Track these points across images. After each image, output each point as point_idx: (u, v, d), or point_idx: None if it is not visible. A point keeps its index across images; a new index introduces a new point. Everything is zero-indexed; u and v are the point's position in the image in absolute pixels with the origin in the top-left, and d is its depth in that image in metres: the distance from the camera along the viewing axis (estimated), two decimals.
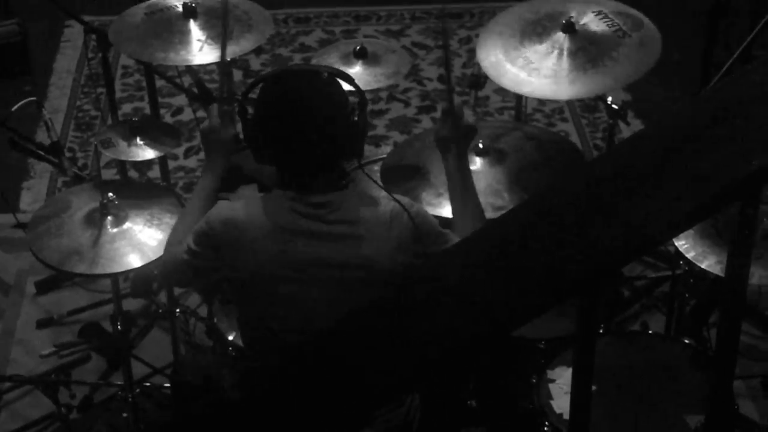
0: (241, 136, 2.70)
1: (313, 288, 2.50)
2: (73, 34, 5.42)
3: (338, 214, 2.51)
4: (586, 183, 1.82)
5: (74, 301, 3.92)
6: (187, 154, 4.63)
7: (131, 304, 3.79)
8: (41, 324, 3.86)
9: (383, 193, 2.58)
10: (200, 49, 3.18)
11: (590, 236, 1.72)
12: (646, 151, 1.79)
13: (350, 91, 2.59)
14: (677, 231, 2.13)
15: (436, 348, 1.75)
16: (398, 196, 2.55)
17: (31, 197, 4.46)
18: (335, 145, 2.51)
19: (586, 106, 4.90)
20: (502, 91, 4.88)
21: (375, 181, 2.67)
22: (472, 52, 5.19)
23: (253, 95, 2.59)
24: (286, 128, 2.49)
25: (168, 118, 4.82)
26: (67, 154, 4.58)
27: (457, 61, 5.24)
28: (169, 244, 2.67)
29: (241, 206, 2.55)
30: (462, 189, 2.72)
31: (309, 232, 2.49)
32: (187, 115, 4.80)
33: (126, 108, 4.94)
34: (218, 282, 2.71)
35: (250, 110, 2.58)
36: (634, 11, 3.17)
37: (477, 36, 5.28)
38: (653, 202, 1.70)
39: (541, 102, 4.90)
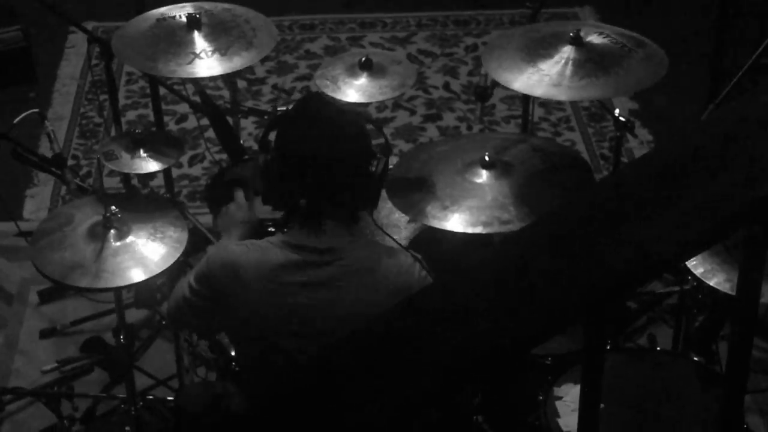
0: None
1: (313, 342, 2.42)
2: (78, 40, 5.40)
3: (343, 264, 2.43)
4: (594, 204, 1.79)
5: (77, 311, 3.90)
6: (192, 162, 4.61)
7: (135, 315, 3.77)
8: (44, 334, 3.84)
9: (389, 241, 2.52)
10: (189, 62, 3.14)
11: (598, 259, 1.69)
12: (655, 172, 1.77)
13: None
14: (687, 255, 2.10)
15: (439, 373, 1.73)
16: (410, 252, 2.48)
17: (35, 205, 4.44)
18: (351, 192, 2.45)
19: (593, 115, 4.87)
20: (508, 99, 4.87)
21: (387, 234, 2.60)
22: (477, 60, 5.18)
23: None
24: (301, 166, 2.41)
25: (172, 126, 4.80)
26: (71, 162, 4.58)
27: (463, 69, 5.22)
28: (175, 290, 2.64)
29: (242, 251, 2.47)
30: None
31: (311, 283, 2.42)
32: (191, 122, 4.77)
33: (130, 115, 4.92)
34: (216, 325, 2.67)
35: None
36: (635, 34, 3.17)
37: (483, 44, 5.31)
38: (663, 225, 1.68)
39: (548, 111, 4.88)
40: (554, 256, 1.72)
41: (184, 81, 3.79)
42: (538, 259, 1.74)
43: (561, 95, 3.04)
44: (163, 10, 3.37)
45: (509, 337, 1.70)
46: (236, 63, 3.18)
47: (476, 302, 1.76)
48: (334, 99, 3.19)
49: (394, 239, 2.56)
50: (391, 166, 3.21)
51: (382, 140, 2.87)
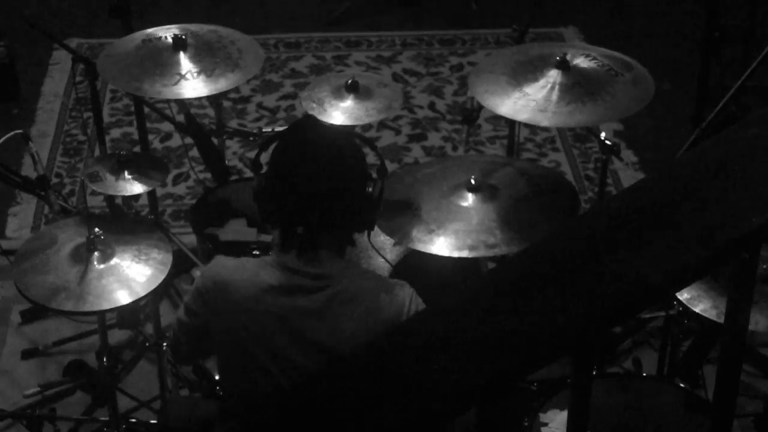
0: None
1: (298, 367, 2.39)
2: (62, 56, 5.37)
3: (337, 290, 2.39)
4: (584, 234, 1.79)
5: (60, 331, 3.87)
6: (176, 181, 4.59)
7: (118, 335, 3.75)
8: (26, 354, 3.81)
9: (382, 262, 2.49)
10: (175, 83, 3.13)
11: (589, 289, 1.69)
12: (644, 204, 1.77)
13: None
14: (678, 286, 2.09)
15: (424, 405, 1.72)
16: (404, 283, 2.46)
17: (17, 223, 4.41)
18: (348, 215, 2.42)
19: (578, 136, 4.88)
20: (493, 120, 4.87)
21: (385, 258, 2.59)
22: (463, 80, 5.18)
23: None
24: (297, 191, 2.38)
25: (156, 144, 4.78)
26: (54, 180, 4.56)
27: (449, 89, 5.21)
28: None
29: (236, 268, 2.44)
30: None
31: (301, 307, 2.39)
32: (176, 141, 4.76)
33: (114, 133, 4.90)
34: (208, 347, 2.64)
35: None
36: (622, 55, 3.17)
37: (469, 63, 5.31)
38: (654, 256, 1.68)
39: (533, 132, 4.88)
40: (545, 286, 1.72)
41: (169, 101, 3.78)
42: (528, 289, 1.74)
43: (547, 121, 3.03)
44: (149, 31, 3.36)
45: (499, 367, 1.69)
46: (222, 84, 3.17)
47: (465, 332, 1.75)
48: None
49: (387, 261, 2.55)
50: None
51: (377, 162, 2.87)
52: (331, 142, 2.43)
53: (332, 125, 3.17)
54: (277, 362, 2.40)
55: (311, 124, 2.61)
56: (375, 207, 2.47)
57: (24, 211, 4.46)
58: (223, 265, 2.48)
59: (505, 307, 1.74)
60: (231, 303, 2.42)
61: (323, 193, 2.37)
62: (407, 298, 2.42)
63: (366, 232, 2.50)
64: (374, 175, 2.47)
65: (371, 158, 2.73)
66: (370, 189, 2.44)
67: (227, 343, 2.46)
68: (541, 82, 3.06)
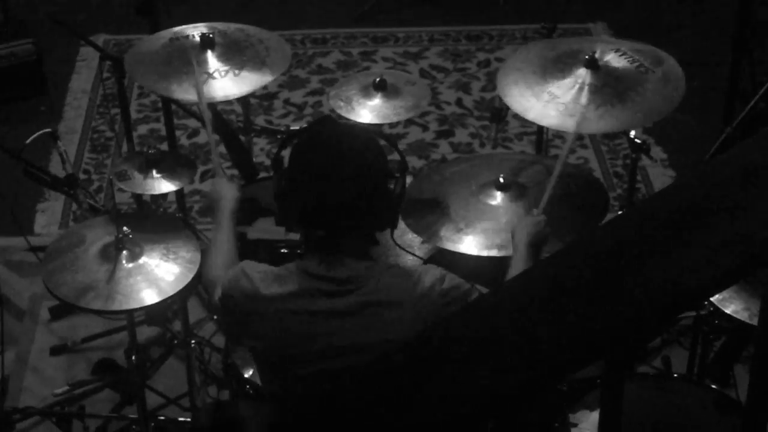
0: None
1: (330, 372, 2.37)
2: (89, 52, 5.38)
3: (364, 292, 2.36)
4: (614, 240, 1.77)
5: (89, 327, 3.88)
6: (203, 177, 4.59)
7: (146, 332, 3.75)
8: (55, 351, 3.83)
9: (411, 259, 2.47)
10: (204, 83, 3.12)
11: (619, 297, 1.67)
12: (674, 209, 1.75)
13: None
14: (710, 293, 2.07)
15: (461, 407, 1.71)
16: (430, 267, 2.44)
17: (46, 219, 4.43)
18: (370, 213, 2.38)
19: (606, 133, 4.84)
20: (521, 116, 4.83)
21: (410, 252, 2.56)
22: (490, 75, 5.16)
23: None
24: (319, 191, 2.35)
25: (184, 140, 4.79)
26: (82, 176, 4.57)
27: (476, 84, 5.19)
28: (208, 270, 2.63)
29: (261, 279, 2.41)
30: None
31: (329, 312, 2.36)
32: (203, 137, 4.76)
33: (142, 129, 4.91)
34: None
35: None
36: (653, 48, 3.12)
37: (496, 59, 5.29)
38: (685, 262, 1.66)
39: None
40: (578, 291, 1.70)
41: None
42: (560, 294, 1.72)
43: (576, 127, 2.96)
44: (176, 29, 3.36)
45: (533, 371, 1.68)
46: (250, 84, 3.16)
47: (500, 335, 1.74)
48: (347, 121, 3.16)
49: (416, 256, 2.51)
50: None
51: (397, 158, 2.85)
52: (351, 141, 2.40)
53: (351, 124, 3.15)
54: (309, 368, 2.39)
55: (329, 123, 2.59)
56: (397, 204, 2.45)
57: (52, 208, 4.48)
58: (248, 277, 2.42)
59: (537, 312, 1.73)
60: (259, 315, 2.40)
61: (345, 193, 2.34)
62: (436, 281, 2.38)
63: (389, 231, 2.48)
64: (396, 174, 2.44)
65: (393, 154, 2.71)
66: (392, 186, 2.42)
67: (259, 351, 2.45)
68: (569, 81, 3.01)
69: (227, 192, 2.74)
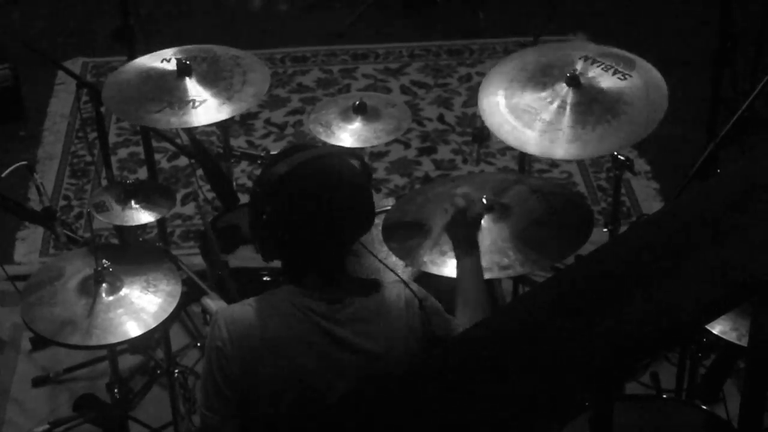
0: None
1: (326, 393, 2.36)
2: (67, 76, 5.30)
3: (352, 311, 2.38)
4: (606, 267, 1.74)
5: (71, 357, 3.83)
6: (184, 201, 4.55)
7: (129, 360, 3.71)
8: (37, 382, 3.78)
9: (386, 270, 2.48)
10: (183, 112, 3.07)
11: (610, 324, 1.65)
12: (662, 238, 1.72)
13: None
14: (706, 320, 2.04)
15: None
16: (408, 282, 2.46)
17: (26, 248, 4.38)
18: (357, 229, 2.42)
19: None
20: None
21: (390, 269, 2.53)
22: (472, 90, 5.13)
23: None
24: (317, 226, 2.34)
25: (164, 163, 4.74)
26: (62, 203, 4.53)
27: (458, 100, 5.17)
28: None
29: (255, 313, 2.37)
30: (471, 277, 2.65)
31: (324, 333, 2.36)
32: (183, 160, 4.72)
33: (122, 153, 4.86)
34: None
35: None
36: (623, 52, 3.09)
37: (477, 74, 5.26)
38: (672, 293, 1.63)
39: None
40: (570, 317, 1.68)
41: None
42: (551, 320, 1.70)
43: (560, 151, 2.94)
44: (152, 56, 3.31)
45: (522, 402, 1.66)
46: (230, 109, 3.12)
47: (480, 371, 1.72)
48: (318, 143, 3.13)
49: (394, 272, 2.51)
50: (388, 207, 3.17)
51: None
52: (340, 166, 2.39)
53: (323, 147, 3.10)
54: (312, 391, 2.36)
55: (308, 150, 2.51)
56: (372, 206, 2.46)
57: (32, 236, 4.43)
58: (244, 314, 2.37)
59: (527, 338, 1.70)
60: (256, 355, 2.35)
61: (353, 217, 2.38)
62: (418, 293, 2.42)
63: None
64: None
65: None
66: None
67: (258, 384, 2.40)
68: (549, 96, 2.99)
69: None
